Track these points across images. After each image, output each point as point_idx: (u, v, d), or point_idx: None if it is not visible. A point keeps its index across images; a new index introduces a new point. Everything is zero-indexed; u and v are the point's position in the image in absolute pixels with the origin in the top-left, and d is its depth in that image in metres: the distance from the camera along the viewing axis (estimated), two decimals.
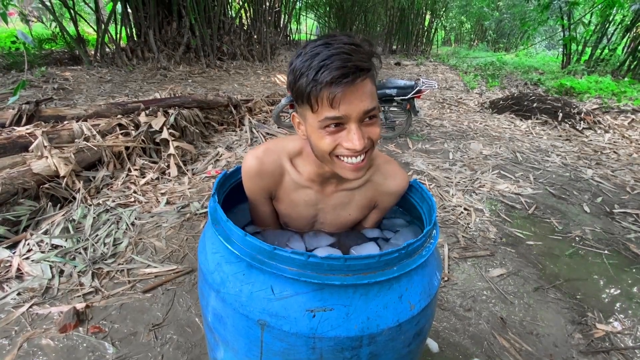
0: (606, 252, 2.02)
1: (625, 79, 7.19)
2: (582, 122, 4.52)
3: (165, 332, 1.32)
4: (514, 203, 2.51)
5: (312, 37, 15.04)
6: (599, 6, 7.68)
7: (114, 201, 2.11)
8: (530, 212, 2.40)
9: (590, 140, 4.08)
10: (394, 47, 14.38)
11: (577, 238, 2.14)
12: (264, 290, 0.52)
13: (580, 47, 8.89)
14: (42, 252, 1.62)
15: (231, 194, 0.84)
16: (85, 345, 1.24)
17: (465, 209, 2.38)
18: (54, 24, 6.44)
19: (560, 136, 4.22)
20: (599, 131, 4.36)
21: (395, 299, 0.53)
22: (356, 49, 0.58)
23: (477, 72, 8.97)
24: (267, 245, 0.50)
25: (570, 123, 4.56)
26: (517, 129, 4.44)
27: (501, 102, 5.33)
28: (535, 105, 4.93)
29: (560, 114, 4.68)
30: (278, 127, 3.75)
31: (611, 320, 1.54)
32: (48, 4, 5.72)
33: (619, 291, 1.73)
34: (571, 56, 9.01)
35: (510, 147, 3.69)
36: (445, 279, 1.72)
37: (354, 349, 0.51)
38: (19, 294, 1.42)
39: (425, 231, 0.56)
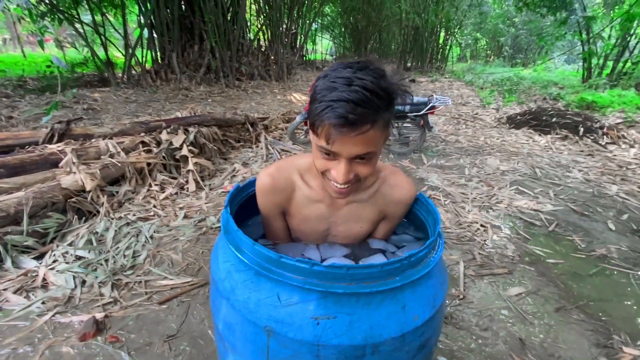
0: (634, 271, 1.92)
1: None
2: (605, 136, 4.39)
3: (179, 343, 1.34)
4: (533, 220, 2.44)
5: (327, 57, 15.41)
6: (618, 20, 7.56)
7: (134, 215, 2.19)
8: (551, 229, 2.33)
9: (615, 155, 3.94)
10: (409, 64, 14.51)
11: (601, 257, 2.05)
12: (271, 298, 0.54)
13: (601, 61, 8.72)
14: (67, 262, 1.69)
15: (245, 207, 0.87)
16: (102, 354, 1.28)
17: (481, 225, 2.33)
18: (86, 49, 6.89)
19: (582, 151, 4.10)
20: (623, 146, 4.21)
21: (399, 309, 0.54)
22: (370, 98, 0.57)
23: (493, 88, 8.91)
24: (273, 254, 0.52)
25: (592, 138, 4.43)
26: (535, 144, 4.35)
27: (518, 117, 5.26)
28: (554, 120, 4.83)
29: (582, 129, 4.56)
30: (293, 144, 3.83)
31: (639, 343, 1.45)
32: (81, 30, 6.16)
33: None
34: (592, 70, 8.83)
35: (528, 162, 3.62)
36: (461, 297, 1.67)
37: (357, 357, 0.52)
38: (43, 302, 1.49)
39: (428, 242, 0.57)
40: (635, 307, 1.67)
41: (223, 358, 0.67)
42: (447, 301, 1.64)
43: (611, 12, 8.65)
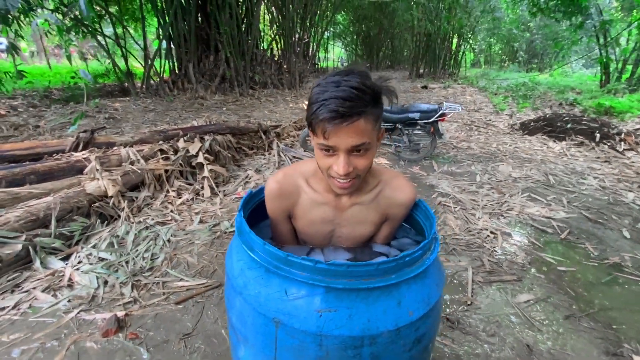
0: None
1: None
2: (622, 142, 4.30)
3: (194, 341, 1.41)
4: (545, 227, 2.42)
5: (338, 65, 15.58)
6: (635, 23, 7.41)
7: (153, 219, 2.30)
8: (563, 237, 2.31)
9: (633, 162, 3.86)
10: (421, 70, 14.51)
11: (615, 265, 2.02)
12: (279, 292, 0.60)
13: (620, 65, 8.53)
14: (91, 264, 1.80)
15: (257, 212, 0.94)
16: (123, 349, 1.36)
17: (491, 232, 2.33)
18: (107, 60, 7.22)
19: (598, 158, 4.02)
20: None
21: (394, 305, 0.59)
22: (356, 94, 0.66)
23: (507, 94, 8.82)
24: (281, 252, 0.58)
25: (609, 144, 4.34)
26: (549, 150, 4.30)
27: (532, 124, 5.20)
28: (569, 126, 4.76)
29: (598, 135, 4.48)
30: (304, 151, 3.91)
31: None
32: (103, 43, 6.47)
33: None
34: (610, 75, 8.64)
35: (542, 169, 3.58)
36: (469, 302, 1.69)
37: (356, 347, 0.57)
38: (69, 300, 1.59)
39: (422, 244, 0.62)
40: None
41: (235, 349, 0.73)
42: (454, 307, 1.66)
43: (629, 15, 8.47)
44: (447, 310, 1.64)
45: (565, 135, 4.68)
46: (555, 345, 1.46)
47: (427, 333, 0.64)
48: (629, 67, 8.45)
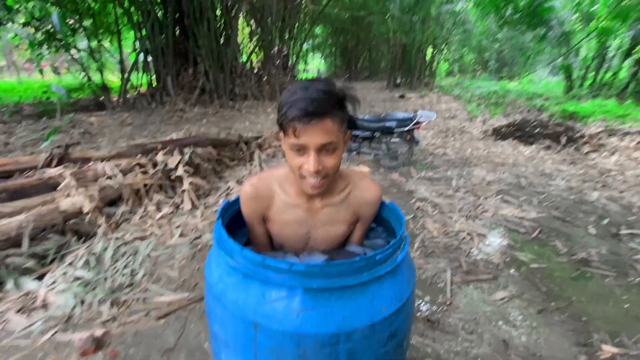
0: (612, 273, 2.01)
1: (629, 101, 7.25)
2: (586, 145, 4.56)
3: (176, 356, 1.39)
4: (518, 227, 2.54)
5: (316, 76, 15.82)
6: (593, 34, 7.95)
7: (132, 235, 2.25)
8: (534, 236, 2.42)
9: (596, 162, 4.10)
10: (398, 80, 14.91)
11: (582, 260, 2.14)
12: (257, 296, 0.62)
13: (582, 72, 9.09)
14: (66, 283, 1.74)
15: (234, 222, 0.96)
16: None
17: (468, 234, 2.42)
18: (81, 74, 7.06)
19: (564, 160, 4.26)
20: (604, 154, 4.38)
21: (368, 302, 0.62)
22: (323, 97, 0.73)
23: (480, 101, 9.19)
24: (258, 256, 0.61)
25: (574, 147, 4.60)
26: (520, 154, 4.51)
27: (504, 129, 5.45)
28: (537, 130, 5.03)
29: (564, 138, 4.74)
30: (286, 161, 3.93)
31: (618, 341, 1.53)
32: (77, 57, 6.34)
33: (626, 312, 1.71)
34: (573, 81, 9.18)
35: (513, 172, 3.75)
36: (448, 302, 1.75)
37: (332, 345, 0.60)
38: (44, 322, 1.53)
39: (392, 242, 0.66)
40: (614, 308, 1.75)
41: (217, 355, 0.74)
42: (434, 308, 1.71)
43: (588, 26, 9.08)
44: (428, 311, 1.69)
45: (534, 139, 4.93)
46: (530, 339, 1.53)
47: (401, 328, 0.68)
48: (591, 74, 9.03)
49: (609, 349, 1.48)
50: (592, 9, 8.29)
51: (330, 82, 0.77)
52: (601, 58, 8.62)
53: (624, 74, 8.54)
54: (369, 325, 0.61)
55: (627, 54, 8.01)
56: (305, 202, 0.89)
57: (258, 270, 0.61)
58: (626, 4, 6.83)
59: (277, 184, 0.91)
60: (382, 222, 0.97)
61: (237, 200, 0.93)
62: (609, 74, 8.53)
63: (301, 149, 0.76)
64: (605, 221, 2.65)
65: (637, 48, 7.66)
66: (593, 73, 8.84)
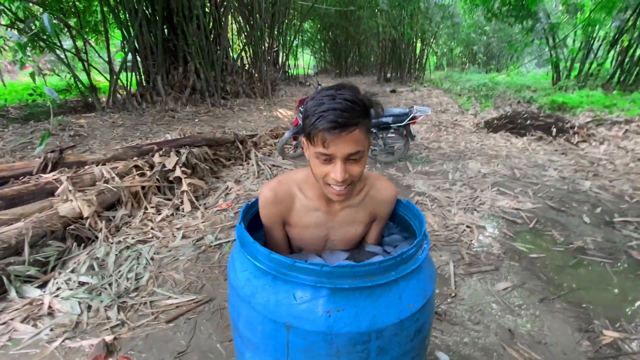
0: (609, 260, 2.08)
1: (615, 91, 7.41)
2: (576, 135, 4.66)
3: (189, 358, 1.40)
4: (515, 218, 2.59)
5: (309, 72, 15.77)
6: (579, 25, 8.07)
7: (133, 238, 2.23)
8: (532, 226, 2.48)
9: (586, 152, 4.20)
10: (389, 75, 14.96)
11: (579, 248, 2.20)
12: (288, 298, 0.63)
13: (568, 64, 9.24)
14: (71, 289, 1.73)
15: (252, 224, 0.97)
16: None
17: (467, 226, 2.47)
18: (68, 75, 6.89)
19: (556, 150, 4.34)
20: (594, 143, 4.49)
21: (396, 299, 0.64)
22: (352, 106, 0.72)
23: (470, 94, 9.29)
24: (288, 260, 0.62)
25: (565, 137, 4.70)
26: (513, 146, 4.59)
27: (495, 122, 5.52)
28: (528, 122, 5.11)
29: (554, 129, 4.83)
30: (283, 159, 3.93)
31: (618, 326, 1.58)
32: (62, 56, 6.18)
33: (624, 297, 1.77)
34: (560, 73, 9.34)
35: (507, 164, 3.82)
36: (453, 294, 1.78)
37: (364, 343, 0.61)
38: (51, 329, 1.51)
39: (416, 241, 0.68)
40: (612, 293, 1.81)
41: (242, 355, 0.75)
42: (440, 300, 1.75)
43: (574, 18, 9.23)
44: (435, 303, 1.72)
45: (525, 131, 5.01)
46: (534, 327, 1.57)
47: (426, 323, 0.70)
48: (577, 65, 9.18)
49: (610, 334, 1.53)
50: (579, 0, 8.42)
51: (355, 89, 0.76)
52: (587, 49, 8.78)
53: (608, 64, 8.72)
54: (398, 322, 0.63)
55: (612, 44, 8.17)
56: (325, 205, 0.90)
57: (288, 272, 0.62)
58: None
59: (297, 187, 0.91)
60: (395, 218, 0.99)
61: (255, 202, 0.93)
62: (594, 65, 8.70)
63: (328, 158, 0.76)
64: (599, 210, 2.72)
65: (622, 37, 7.82)
66: (579, 64, 9.01)
